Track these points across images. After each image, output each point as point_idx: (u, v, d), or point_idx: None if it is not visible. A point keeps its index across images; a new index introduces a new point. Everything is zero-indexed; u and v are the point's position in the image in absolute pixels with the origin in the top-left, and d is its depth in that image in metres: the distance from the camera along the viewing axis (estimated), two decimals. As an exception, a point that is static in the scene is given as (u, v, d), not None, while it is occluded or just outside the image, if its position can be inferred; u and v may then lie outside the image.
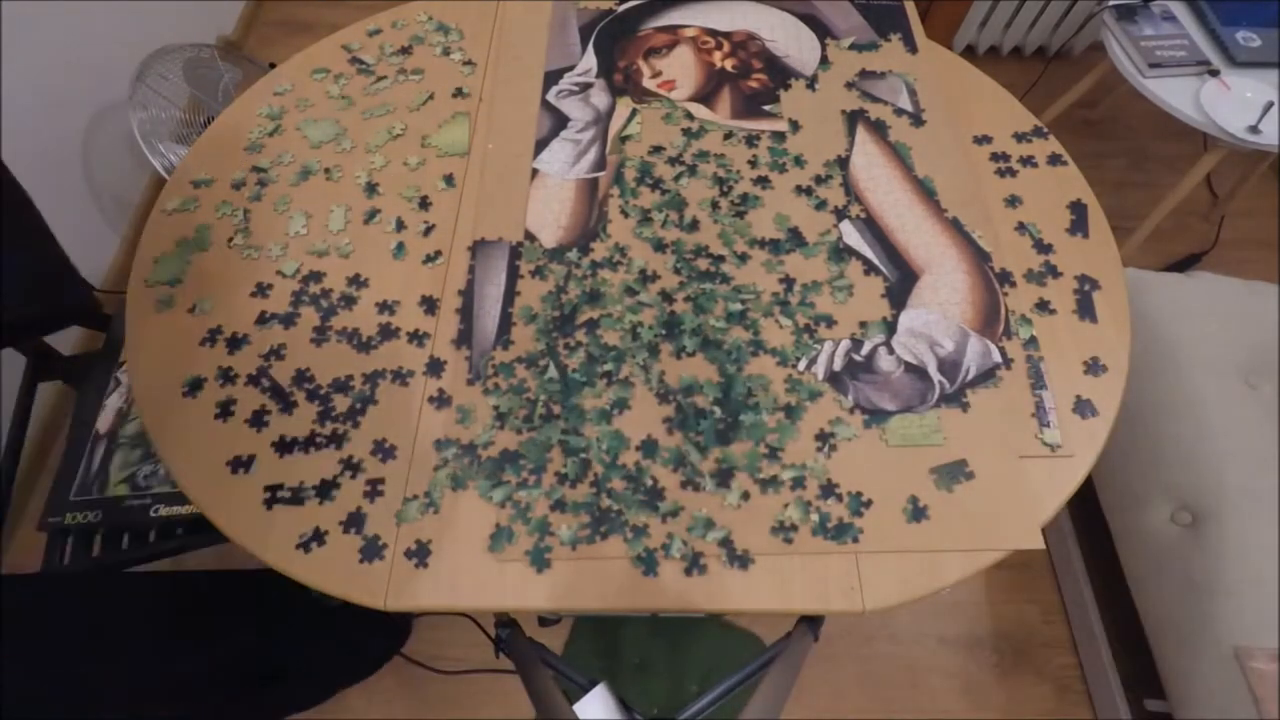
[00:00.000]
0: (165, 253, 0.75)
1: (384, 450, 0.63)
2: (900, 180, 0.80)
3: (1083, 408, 0.66)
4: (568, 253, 0.75)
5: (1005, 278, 0.73)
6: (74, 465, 0.89)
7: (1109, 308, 0.72)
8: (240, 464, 0.62)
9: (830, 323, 0.70)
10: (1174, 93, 1.27)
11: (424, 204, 0.79)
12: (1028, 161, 0.83)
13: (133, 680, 0.50)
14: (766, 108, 0.87)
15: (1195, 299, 1.09)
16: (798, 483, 0.62)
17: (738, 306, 0.71)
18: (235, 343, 0.69)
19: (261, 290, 0.72)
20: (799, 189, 0.80)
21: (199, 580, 0.84)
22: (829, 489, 0.61)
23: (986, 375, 0.67)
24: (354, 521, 0.60)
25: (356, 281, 0.73)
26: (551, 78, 0.90)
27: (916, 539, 0.59)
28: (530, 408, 0.65)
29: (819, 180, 0.80)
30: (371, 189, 0.80)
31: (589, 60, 0.92)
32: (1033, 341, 0.69)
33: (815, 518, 0.60)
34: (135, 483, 0.87)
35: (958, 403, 0.66)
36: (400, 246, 0.75)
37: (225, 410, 0.65)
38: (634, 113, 0.86)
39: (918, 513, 0.60)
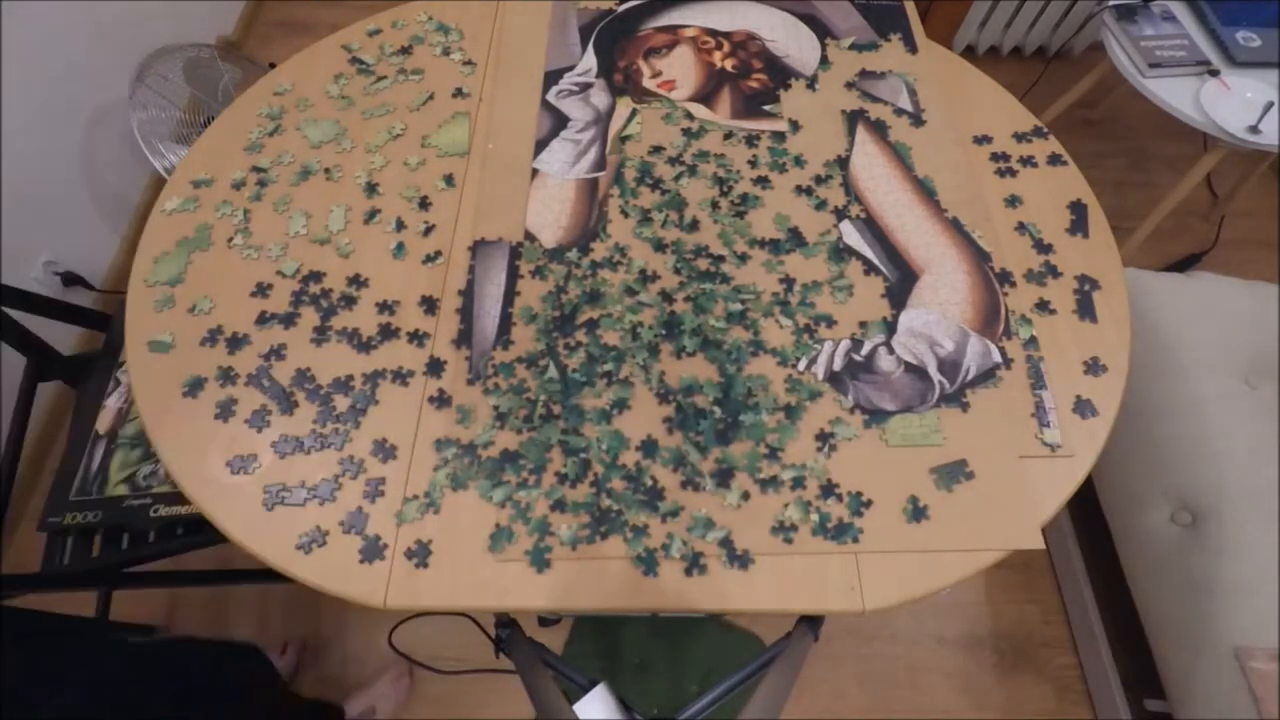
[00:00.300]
0: (165, 252, 0.75)
1: (384, 450, 0.63)
2: (900, 180, 0.80)
3: (1083, 408, 0.66)
4: (568, 253, 0.75)
5: (1005, 278, 0.73)
6: (74, 465, 0.89)
7: (1109, 308, 0.72)
8: (240, 464, 0.62)
9: (830, 323, 0.70)
10: (1174, 93, 1.27)
11: (424, 204, 0.79)
12: (1028, 161, 0.83)
13: None
14: (766, 108, 0.87)
15: (1195, 299, 1.09)
16: (798, 483, 0.62)
17: (738, 306, 0.71)
18: (235, 343, 0.69)
19: (261, 290, 0.72)
20: (799, 189, 0.80)
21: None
22: (829, 489, 0.61)
23: (986, 375, 0.67)
24: (354, 521, 0.60)
25: (356, 281, 0.73)
26: (551, 78, 0.90)
27: (916, 539, 0.59)
28: (530, 408, 0.65)
29: (819, 180, 0.80)
30: (371, 189, 0.80)
31: (589, 60, 0.92)
32: (1033, 341, 0.69)
33: (815, 518, 0.60)
34: (135, 483, 0.87)
35: (958, 403, 0.66)
36: (400, 246, 0.75)
37: (225, 410, 0.65)
38: (634, 113, 0.86)
39: (918, 513, 0.60)
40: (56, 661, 0.62)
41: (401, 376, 0.67)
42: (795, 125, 0.85)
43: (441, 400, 0.66)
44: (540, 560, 0.58)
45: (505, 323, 0.70)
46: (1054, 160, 0.83)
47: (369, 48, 0.93)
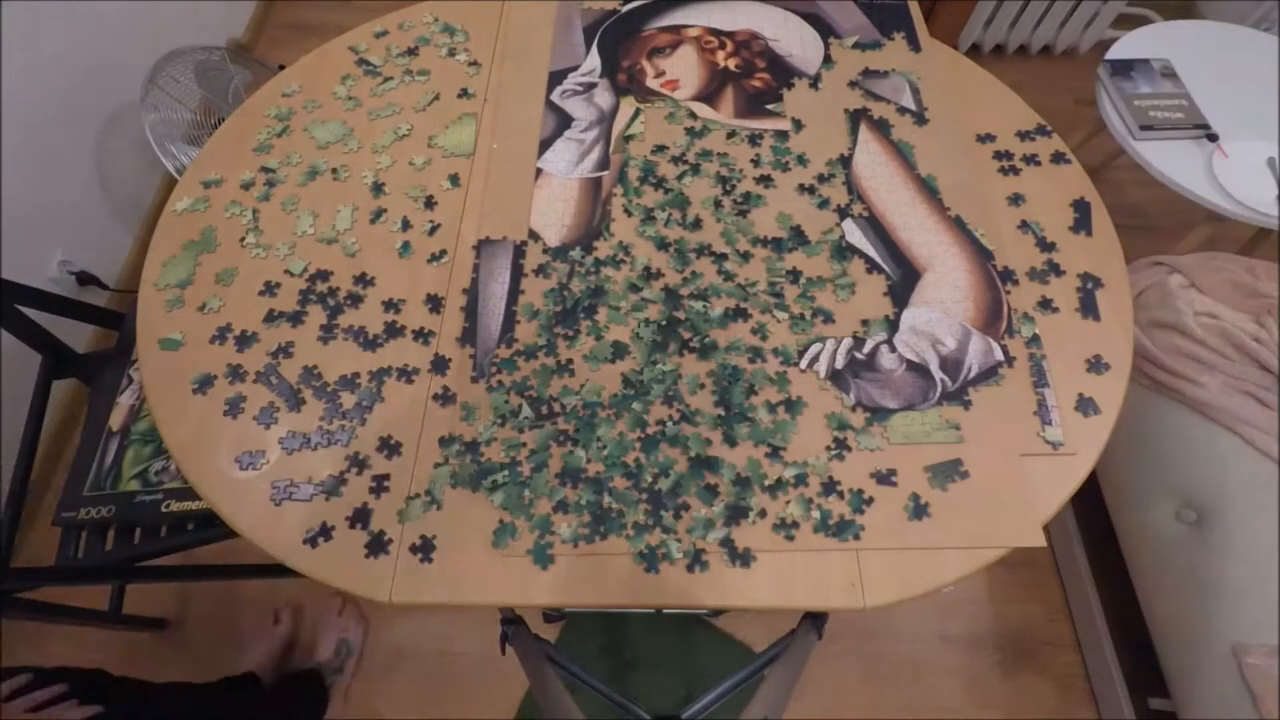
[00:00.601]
0: (173, 256, 0.76)
1: (389, 447, 0.64)
2: (903, 179, 0.80)
3: (1085, 406, 0.66)
4: (571, 251, 0.75)
5: (1008, 276, 0.73)
6: (87, 461, 0.91)
7: (1112, 306, 0.72)
8: (249, 460, 0.64)
9: (832, 320, 0.70)
10: (1168, 160, 1.17)
11: (429, 203, 0.79)
12: (1031, 160, 0.83)
13: None
14: (769, 107, 0.87)
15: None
16: (799, 480, 0.62)
17: (740, 305, 0.71)
18: (244, 340, 0.70)
19: (269, 289, 0.73)
20: (802, 188, 0.80)
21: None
22: (830, 486, 0.62)
23: (989, 373, 0.67)
24: (360, 517, 0.61)
25: (363, 280, 0.74)
26: (556, 78, 0.90)
27: (918, 536, 0.60)
28: (533, 405, 0.66)
29: (822, 179, 0.81)
30: (378, 189, 0.81)
31: (593, 60, 0.92)
32: (1035, 339, 0.69)
33: (816, 515, 0.60)
34: (147, 479, 0.89)
35: (960, 401, 0.66)
36: (406, 245, 0.76)
37: (234, 407, 0.66)
38: (637, 112, 0.87)
39: (919, 510, 0.61)
40: None
41: (406, 374, 0.68)
42: (798, 124, 0.85)
43: (446, 398, 0.66)
44: (543, 557, 0.59)
45: (509, 321, 0.71)
46: (1057, 158, 0.83)
47: (376, 49, 0.94)
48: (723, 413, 0.65)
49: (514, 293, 0.72)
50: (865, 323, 0.70)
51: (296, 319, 0.71)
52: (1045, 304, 0.72)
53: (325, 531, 0.60)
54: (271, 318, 0.71)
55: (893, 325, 0.70)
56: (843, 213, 0.78)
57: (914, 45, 0.93)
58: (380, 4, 0.95)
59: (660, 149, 0.83)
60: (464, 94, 0.89)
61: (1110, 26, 1.88)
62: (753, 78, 0.90)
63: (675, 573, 0.59)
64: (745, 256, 0.75)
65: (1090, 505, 1.14)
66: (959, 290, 0.72)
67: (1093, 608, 1.15)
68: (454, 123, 0.86)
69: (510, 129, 0.85)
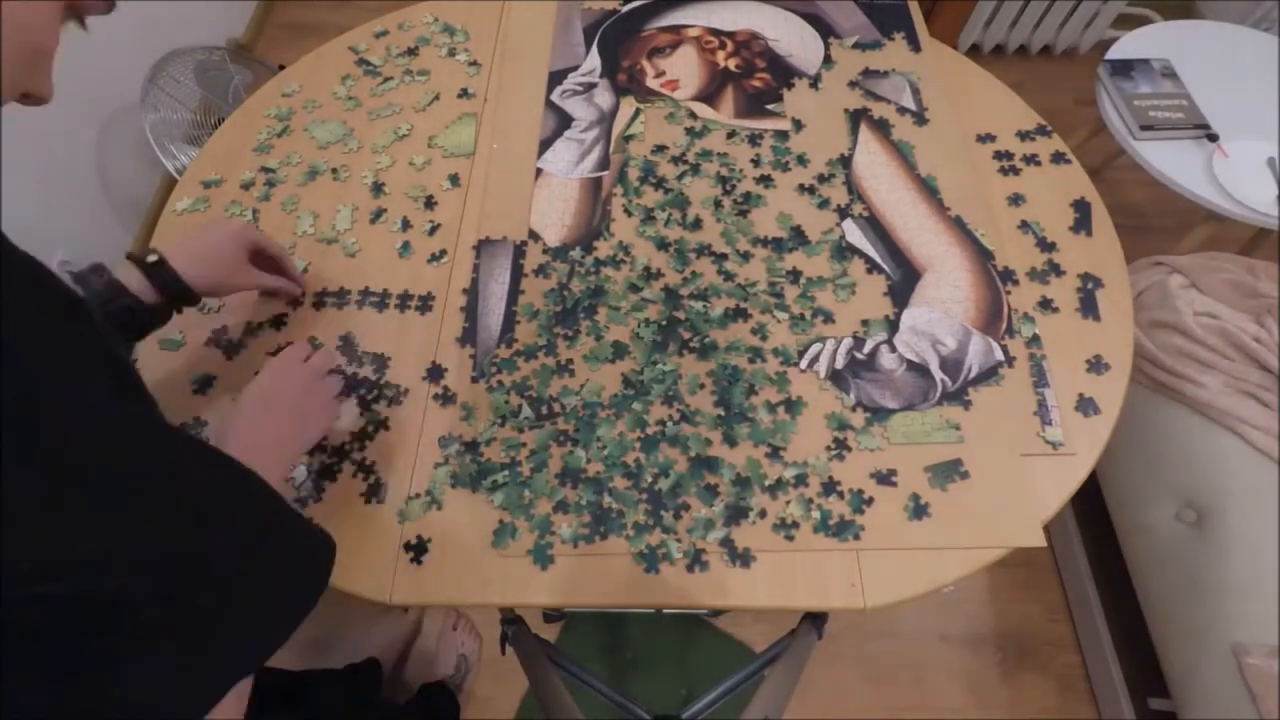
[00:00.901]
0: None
1: (389, 446, 0.64)
2: (903, 179, 0.81)
3: (1085, 406, 0.66)
4: (571, 251, 0.75)
5: (1008, 276, 0.73)
6: (87, 461, 0.91)
7: (1112, 306, 0.72)
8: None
9: (832, 320, 0.70)
10: (1168, 160, 1.17)
11: (429, 203, 0.79)
12: (1031, 160, 0.83)
13: None
14: (770, 107, 0.87)
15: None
16: (799, 480, 0.62)
17: (740, 304, 0.71)
18: (244, 340, 0.70)
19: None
20: (802, 188, 0.80)
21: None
22: (830, 486, 0.62)
23: (989, 373, 0.67)
24: (360, 517, 0.61)
25: (362, 280, 0.74)
26: (556, 78, 0.90)
27: (918, 536, 0.60)
28: (533, 405, 0.66)
29: (822, 179, 0.81)
30: (378, 189, 0.81)
31: (593, 60, 0.92)
32: (1035, 340, 0.69)
33: (816, 515, 0.60)
34: (147, 479, 0.89)
35: (960, 401, 0.66)
36: (406, 245, 0.76)
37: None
38: (637, 112, 0.87)
39: (919, 510, 0.61)
40: None
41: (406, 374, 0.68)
42: (798, 124, 0.85)
43: (446, 398, 0.66)
44: (543, 557, 0.59)
45: (509, 321, 0.71)
46: (1057, 158, 0.83)
47: (376, 49, 0.94)
48: (723, 413, 0.65)
49: (514, 293, 0.72)
50: (865, 323, 0.70)
51: (296, 319, 0.71)
52: (1045, 304, 0.72)
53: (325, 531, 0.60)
54: (271, 318, 0.71)
55: (893, 325, 0.70)
56: (843, 213, 0.78)
57: (914, 45, 0.93)
58: (380, 4, 0.95)
59: (660, 149, 0.83)
60: (464, 94, 0.89)
61: (1110, 26, 1.88)
62: (753, 78, 0.90)
63: (675, 573, 0.59)
64: (745, 256, 0.75)
65: (1090, 505, 1.14)
66: (959, 290, 0.72)
67: (1093, 608, 1.15)
68: (454, 123, 0.86)
69: (510, 129, 0.85)
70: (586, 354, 0.68)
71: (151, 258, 0.58)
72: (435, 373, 0.68)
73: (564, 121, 0.86)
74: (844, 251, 0.75)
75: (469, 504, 0.61)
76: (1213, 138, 1.19)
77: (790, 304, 0.72)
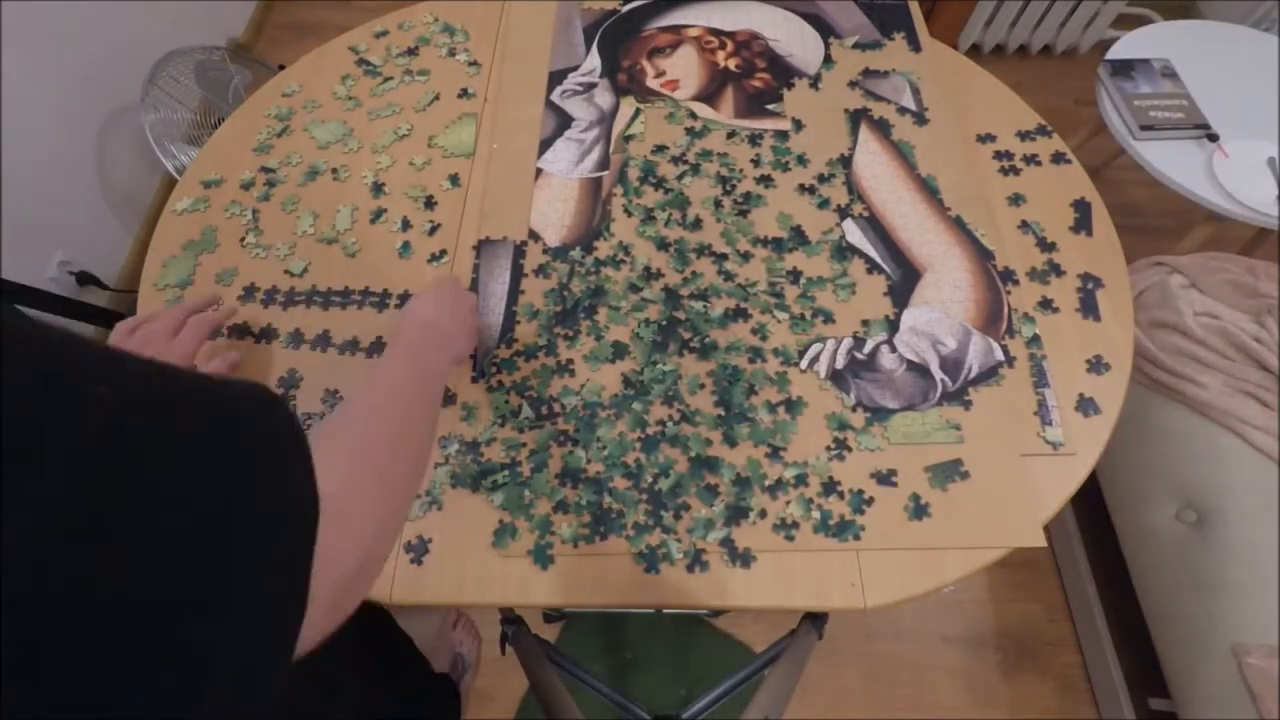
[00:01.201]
0: (174, 254, 0.76)
1: (390, 447, 0.64)
2: (903, 179, 0.80)
3: (1085, 406, 0.66)
4: (571, 251, 0.75)
5: (1008, 276, 0.73)
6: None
7: (1112, 306, 0.72)
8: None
9: (833, 320, 0.70)
10: (1168, 160, 1.17)
11: (429, 203, 0.79)
12: (1031, 160, 0.83)
13: None
14: (770, 107, 0.87)
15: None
16: (799, 480, 0.62)
17: (740, 305, 0.71)
18: (243, 340, 0.70)
19: (269, 289, 0.73)
20: (802, 188, 0.80)
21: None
22: (830, 486, 0.62)
23: (989, 373, 0.67)
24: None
25: (362, 280, 0.74)
26: (556, 78, 0.90)
27: (918, 536, 0.60)
28: (533, 405, 0.66)
29: (822, 179, 0.81)
30: (378, 189, 0.81)
31: (593, 60, 0.92)
32: (1035, 340, 0.69)
33: (817, 515, 0.60)
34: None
35: (960, 401, 0.66)
36: (406, 245, 0.76)
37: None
38: (637, 112, 0.87)
39: (919, 510, 0.61)
40: None
41: (407, 374, 0.68)
42: (798, 124, 0.85)
43: (446, 397, 0.66)
44: (543, 557, 0.59)
45: (509, 321, 0.71)
46: (1058, 158, 0.83)
47: (376, 49, 0.94)
48: (723, 413, 0.65)
49: (514, 293, 0.72)
50: (865, 323, 0.70)
51: (296, 319, 0.71)
52: (1045, 304, 0.72)
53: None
54: (270, 318, 0.71)
55: (893, 325, 0.70)
56: (843, 213, 0.78)
57: (914, 45, 0.93)
58: (380, 4, 0.95)
59: (660, 149, 0.83)
60: (464, 94, 0.89)
61: (1110, 26, 1.89)
62: (753, 78, 0.90)
63: (675, 573, 0.59)
64: (745, 256, 0.75)
65: (1090, 505, 1.14)
66: (959, 290, 0.72)
67: (1093, 608, 1.15)
68: (454, 123, 0.86)
69: (510, 129, 0.85)
70: (586, 354, 0.68)
71: None
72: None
73: (564, 121, 0.86)
74: (844, 251, 0.75)
75: (469, 504, 0.61)
76: (1213, 138, 1.19)
77: (790, 304, 0.72)
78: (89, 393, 0.23)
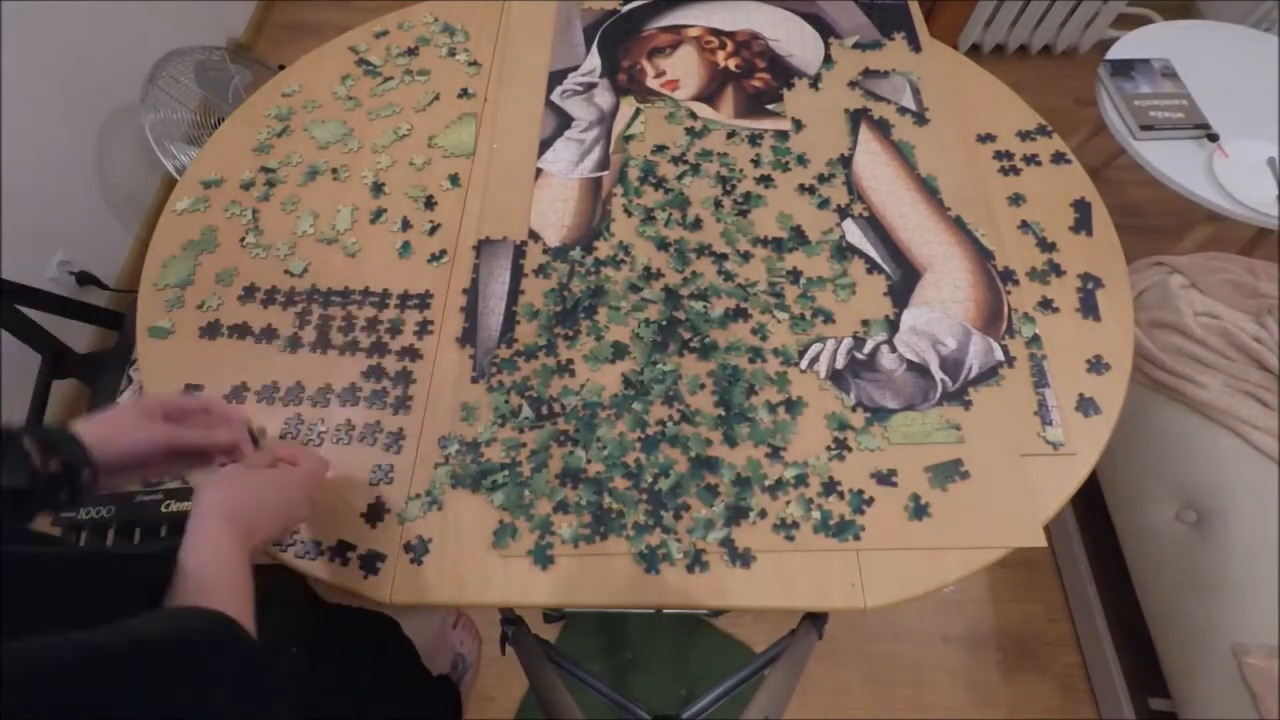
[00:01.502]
0: (173, 256, 0.76)
1: (389, 447, 0.64)
2: (903, 179, 0.80)
3: (1085, 406, 0.66)
4: (571, 251, 0.75)
5: (1008, 276, 0.73)
6: (87, 461, 0.91)
7: (1112, 306, 0.72)
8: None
9: (833, 321, 0.70)
10: (1168, 160, 1.16)
11: (429, 203, 0.79)
12: (1031, 160, 0.83)
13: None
14: (770, 107, 0.87)
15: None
16: (799, 480, 0.62)
17: (740, 304, 0.71)
18: (243, 340, 0.70)
19: (268, 289, 0.73)
20: (802, 188, 0.80)
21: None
22: (830, 486, 0.62)
23: (989, 373, 0.67)
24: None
25: (362, 280, 0.74)
26: (556, 78, 0.90)
27: (918, 536, 0.60)
28: (533, 405, 0.66)
29: (822, 179, 0.81)
30: (378, 189, 0.81)
31: (593, 60, 0.92)
32: (1035, 340, 0.69)
33: (817, 515, 0.60)
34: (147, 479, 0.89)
35: (960, 401, 0.66)
36: (406, 245, 0.76)
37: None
38: (637, 112, 0.87)
39: (919, 510, 0.61)
40: None
41: (407, 375, 0.68)
42: (798, 124, 0.85)
43: (447, 397, 0.66)
44: (543, 558, 0.59)
45: (509, 321, 0.71)
46: (1058, 158, 0.83)
47: (376, 49, 0.94)
48: (723, 413, 0.65)
49: (514, 293, 0.72)
50: (865, 323, 0.70)
51: (296, 319, 0.71)
52: (1046, 304, 0.72)
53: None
54: (270, 317, 0.71)
55: (893, 325, 0.70)
56: (843, 213, 0.78)
57: (914, 45, 0.93)
58: (380, 4, 0.95)
59: (660, 149, 0.83)
60: (464, 94, 0.89)
61: (1110, 26, 1.88)
62: (753, 78, 0.90)
63: (675, 573, 0.59)
64: (745, 256, 0.75)
65: (1090, 505, 1.14)
66: (959, 290, 0.72)
67: (1093, 608, 1.15)
68: (454, 123, 0.86)
69: (510, 129, 0.85)
70: (586, 354, 0.68)
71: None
72: (439, 365, 0.68)
73: (564, 121, 0.86)
74: (844, 251, 0.75)
75: (469, 504, 0.61)
76: (1213, 138, 1.19)
77: (790, 304, 0.71)
78: None
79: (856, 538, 0.59)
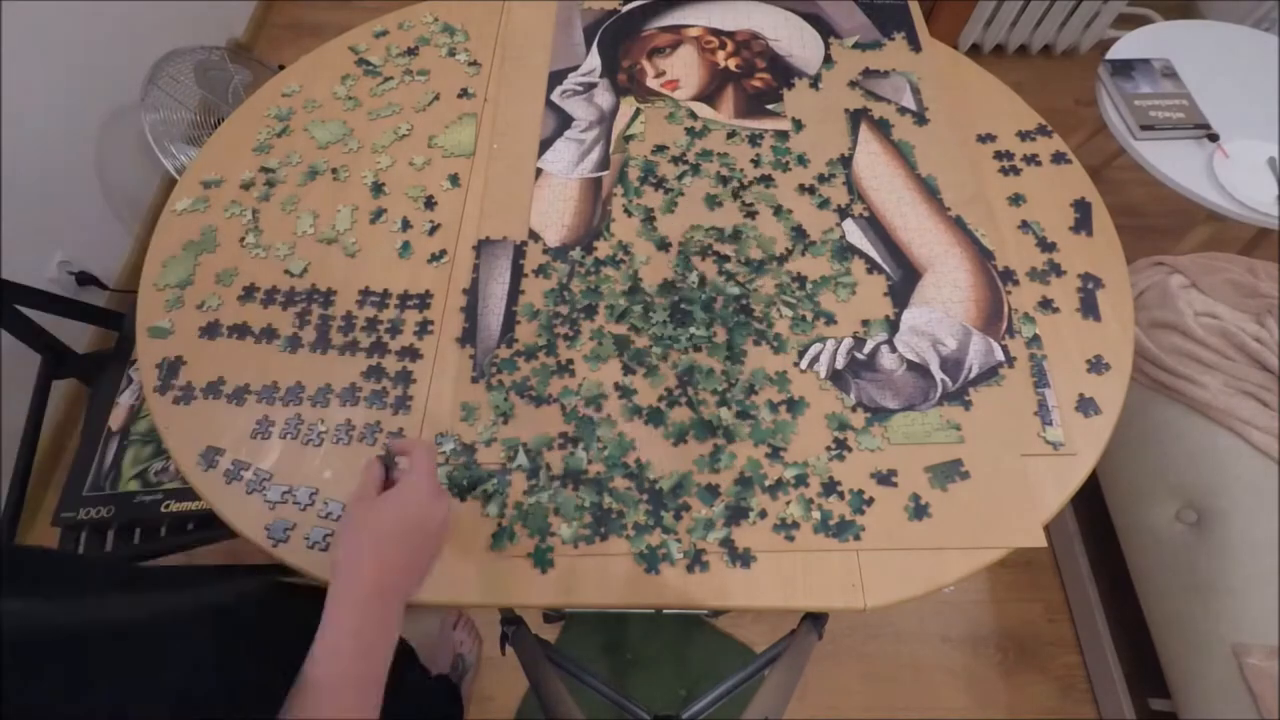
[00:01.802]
0: (173, 256, 0.76)
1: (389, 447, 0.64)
2: (903, 179, 0.80)
3: (1086, 406, 0.66)
4: (571, 251, 0.75)
5: (1008, 276, 0.73)
6: (87, 461, 0.91)
7: (1112, 306, 0.72)
8: (250, 460, 0.63)
9: (833, 321, 0.70)
10: (1168, 160, 1.17)
11: (429, 203, 0.79)
12: (1031, 160, 0.83)
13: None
14: (770, 107, 0.87)
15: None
16: (800, 480, 0.62)
17: (740, 304, 0.71)
18: (242, 340, 0.70)
19: (269, 289, 0.73)
20: (802, 188, 0.80)
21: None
22: (830, 486, 0.62)
23: (989, 373, 0.67)
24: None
25: (362, 280, 0.74)
26: (556, 78, 0.90)
27: (918, 537, 0.60)
28: (533, 405, 0.66)
29: (822, 179, 0.81)
30: (378, 189, 0.81)
31: (593, 60, 0.92)
32: (1036, 340, 0.69)
33: (817, 515, 0.60)
34: (146, 479, 0.89)
35: (960, 401, 0.66)
36: (406, 245, 0.76)
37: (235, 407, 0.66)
38: (637, 112, 0.87)
39: (919, 510, 0.61)
40: None
41: (406, 374, 0.68)
42: (798, 124, 0.85)
43: (446, 398, 0.66)
44: (543, 560, 0.59)
45: (509, 321, 0.71)
46: (1058, 158, 0.83)
47: (376, 49, 0.94)
48: (723, 413, 0.65)
49: (514, 293, 0.72)
50: (866, 323, 0.70)
51: (296, 319, 0.71)
52: (1046, 304, 0.72)
53: (326, 532, 0.60)
54: (270, 317, 0.71)
55: (893, 325, 0.70)
56: (843, 213, 0.78)
57: (914, 45, 0.93)
58: (380, 4, 0.95)
59: (660, 149, 0.83)
60: (464, 94, 0.89)
61: (1110, 26, 1.89)
62: (753, 78, 0.90)
63: (675, 573, 0.59)
64: (746, 257, 0.75)
65: (1090, 505, 1.14)
66: (959, 290, 0.72)
67: (1093, 608, 1.15)
68: (454, 123, 0.86)
69: (510, 129, 0.85)
70: (586, 354, 0.68)
71: None
72: (439, 365, 0.68)
73: (564, 121, 0.86)
74: (844, 251, 0.75)
75: (469, 504, 0.61)
76: (1213, 137, 1.19)
77: (790, 304, 0.71)
78: None
79: (856, 538, 0.59)
